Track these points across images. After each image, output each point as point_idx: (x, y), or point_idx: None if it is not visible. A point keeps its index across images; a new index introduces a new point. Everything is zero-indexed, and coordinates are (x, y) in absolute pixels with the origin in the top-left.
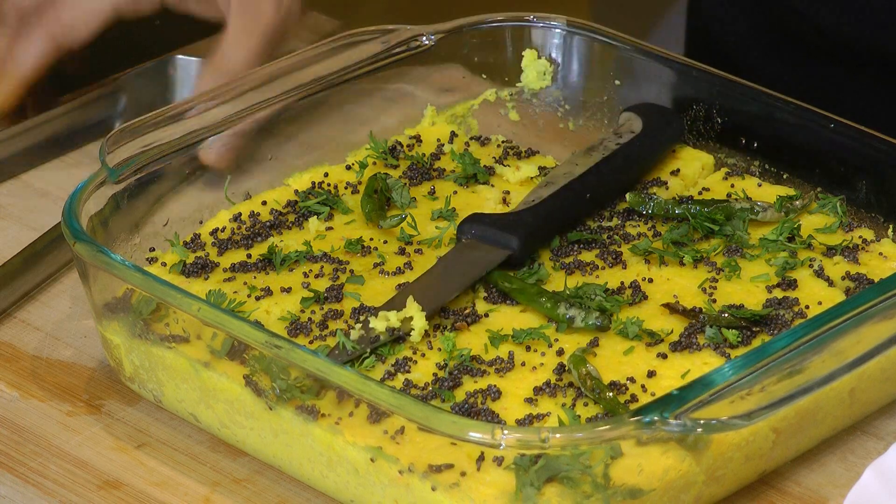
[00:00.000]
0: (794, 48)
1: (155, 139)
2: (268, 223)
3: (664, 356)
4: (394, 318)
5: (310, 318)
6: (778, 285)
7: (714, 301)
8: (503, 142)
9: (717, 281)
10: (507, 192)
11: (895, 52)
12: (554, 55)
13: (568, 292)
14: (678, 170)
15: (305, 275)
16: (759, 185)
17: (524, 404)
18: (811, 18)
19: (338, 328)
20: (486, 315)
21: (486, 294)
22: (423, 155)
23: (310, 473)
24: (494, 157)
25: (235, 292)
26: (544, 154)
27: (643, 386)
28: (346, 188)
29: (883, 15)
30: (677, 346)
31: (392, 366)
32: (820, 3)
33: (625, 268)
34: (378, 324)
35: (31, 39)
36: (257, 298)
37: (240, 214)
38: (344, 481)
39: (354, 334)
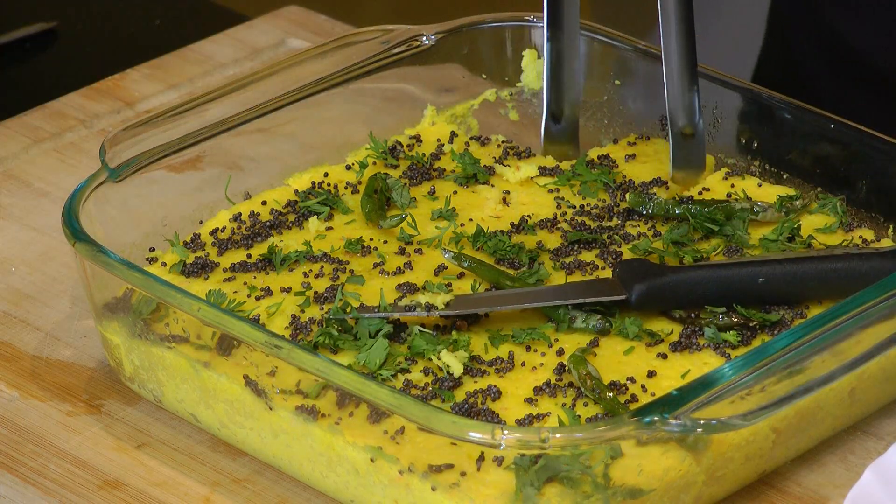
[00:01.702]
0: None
1: (155, 139)
2: (268, 223)
3: (664, 356)
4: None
5: (310, 318)
6: None
7: None
8: (503, 142)
9: None
10: (507, 193)
11: None
12: None
13: None
14: None
15: (305, 275)
16: (759, 185)
17: (524, 404)
18: (865, 52)
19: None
20: (486, 315)
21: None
22: (423, 155)
23: (310, 473)
24: (494, 157)
25: (235, 292)
26: (546, 156)
27: (643, 386)
28: (346, 188)
29: None
30: (677, 347)
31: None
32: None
33: None
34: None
35: None
36: (257, 298)
37: (240, 214)
38: (344, 481)
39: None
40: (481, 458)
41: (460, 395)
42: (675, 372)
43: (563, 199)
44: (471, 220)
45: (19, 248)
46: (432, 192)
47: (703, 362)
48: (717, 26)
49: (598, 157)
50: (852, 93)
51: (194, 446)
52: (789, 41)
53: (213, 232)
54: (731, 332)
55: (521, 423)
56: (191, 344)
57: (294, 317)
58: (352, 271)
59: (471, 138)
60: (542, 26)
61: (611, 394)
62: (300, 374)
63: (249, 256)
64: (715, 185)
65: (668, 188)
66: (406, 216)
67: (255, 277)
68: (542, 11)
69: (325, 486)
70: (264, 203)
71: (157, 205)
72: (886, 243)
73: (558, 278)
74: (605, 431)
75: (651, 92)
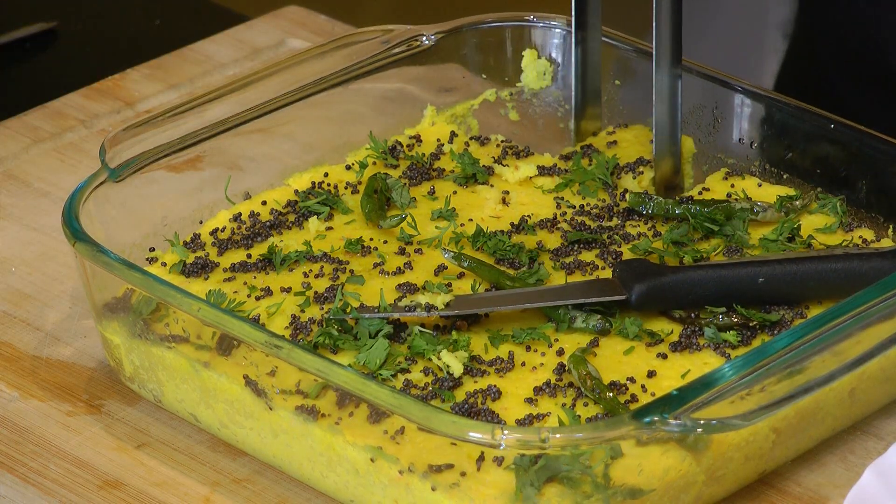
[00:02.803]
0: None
1: (155, 139)
2: (268, 223)
3: (664, 356)
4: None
5: (310, 318)
6: None
7: None
8: (503, 142)
9: None
10: (507, 193)
11: None
12: (554, 55)
13: None
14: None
15: (305, 275)
16: (759, 185)
17: (524, 404)
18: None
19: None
20: (486, 315)
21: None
22: (423, 155)
23: (310, 473)
24: (494, 157)
25: (235, 292)
26: (543, 154)
27: (643, 386)
28: (346, 188)
29: None
30: (677, 347)
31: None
32: None
33: None
34: (428, 298)
35: None
36: (257, 298)
37: (240, 214)
38: (344, 481)
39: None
40: (481, 458)
41: (460, 395)
42: (675, 372)
43: (562, 198)
44: (471, 220)
45: (19, 248)
46: (432, 192)
47: (703, 362)
48: (717, 26)
49: (581, 148)
50: (878, 100)
51: (194, 446)
52: (815, 47)
53: (213, 232)
54: (731, 332)
55: (521, 423)
56: (191, 344)
57: (294, 317)
58: (352, 271)
59: (470, 138)
60: (542, 26)
61: (611, 394)
62: (300, 374)
63: (249, 256)
64: (715, 185)
65: (652, 166)
66: (406, 216)
67: (255, 277)
68: (570, 13)
69: (324, 485)
70: (264, 203)
71: (157, 205)
72: (886, 243)
73: (558, 278)
74: (605, 431)
75: (650, 92)
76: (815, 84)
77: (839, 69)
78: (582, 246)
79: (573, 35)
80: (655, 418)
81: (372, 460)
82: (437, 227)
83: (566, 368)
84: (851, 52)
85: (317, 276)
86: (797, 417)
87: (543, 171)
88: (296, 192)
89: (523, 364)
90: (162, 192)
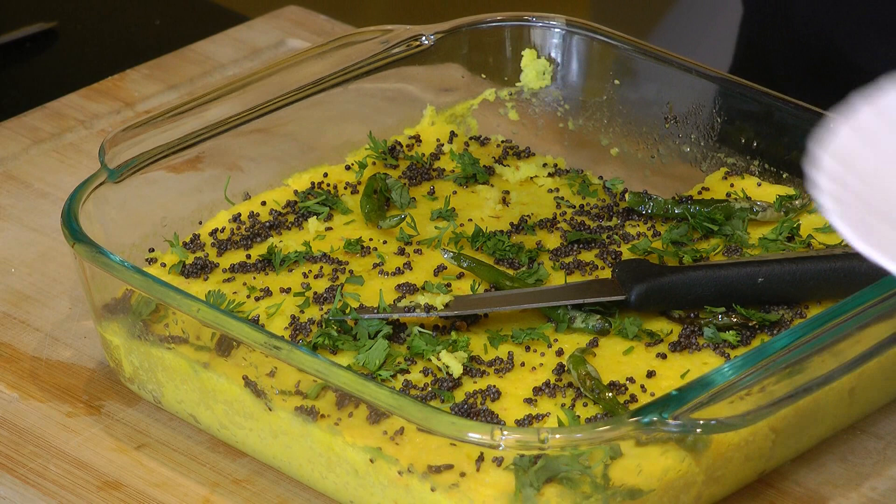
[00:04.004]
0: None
1: (154, 139)
2: (267, 223)
3: (664, 356)
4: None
5: (310, 319)
6: None
7: None
8: (503, 142)
9: None
10: (507, 193)
11: None
12: (553, 55)
13: None
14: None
15: (305, 275)
16: (759, 185)
17: (524, 405)
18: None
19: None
20: (486, 315)
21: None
22: (423, 155)
23: (309, 474)
24: (494, 157)
25: (235, 293)
26: (544, 154)
27: (643, 386)
28: (345, 188)
29: None
30: (677, 347)
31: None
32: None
33: None
34: (427, 299)
35: None
36: (257, 299)
37: (239, 215)
38: (343, 482)
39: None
40: (481, 459)
41: (460, 395)
42: (675, 372)
43: (562, 198)
44: (470, 220)
45: (19, 248)
46: (432, 193)
47: (703, 362)
48: (715, 24)
49: None
50: (826, 92)
51: (194, 447)
52: (762, 45)
53: (213, 232)
54: (730, 331)
55: (520, 423)
56: (190, 345)
57: (293, 317)
58: (351, 272)
59: (470, 138)
60: (542, 26)
61: (610, 394)
62: (299, 375)
63: (249, 257)
64: (714, 184)
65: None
66: (405, 216)
67: (254, 278)
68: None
69: (324, 486)
70: (264, 203)
71: (157, 205)
72: None
73: (558, 278)
74: (605, 432)
75: (652, 91)
76: (766, 81)
77: (788, 65)
78: (581, 246)
79: None
80: (655, 418)
81: (371, 461)
82: (436, 228)
83: (565, 369)
84: (798, 48)
85: (316, 277)
86: (797, 417)
87: (546, 171)
88: (295, 192)
89: (522, 364)
90: (161, 192)
